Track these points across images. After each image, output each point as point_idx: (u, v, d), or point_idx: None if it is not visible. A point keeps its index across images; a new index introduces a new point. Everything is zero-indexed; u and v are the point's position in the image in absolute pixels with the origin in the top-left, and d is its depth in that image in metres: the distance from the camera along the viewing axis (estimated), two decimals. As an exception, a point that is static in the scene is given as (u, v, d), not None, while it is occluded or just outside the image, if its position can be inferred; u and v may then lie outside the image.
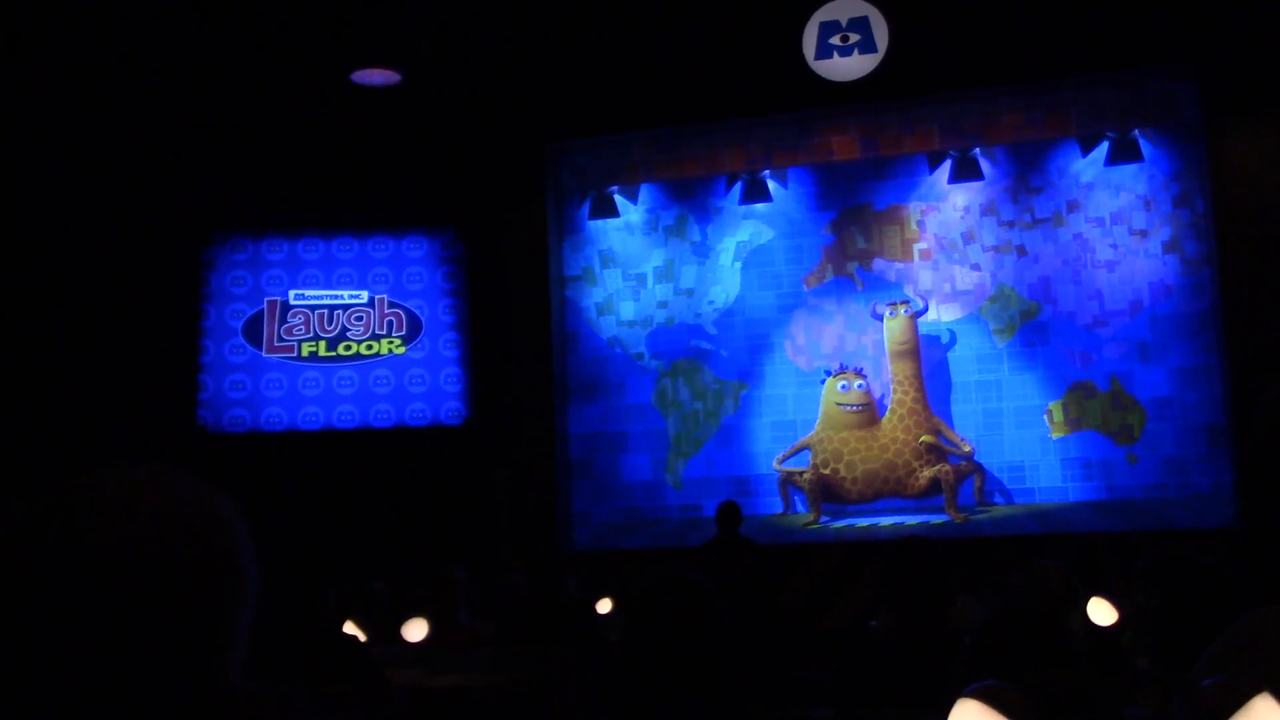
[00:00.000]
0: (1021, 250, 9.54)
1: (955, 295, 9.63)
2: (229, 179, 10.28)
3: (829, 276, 9.93)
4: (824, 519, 9.58)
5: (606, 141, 10.35)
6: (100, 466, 1.11)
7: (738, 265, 10.13)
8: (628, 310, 10.29)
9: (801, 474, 9.69)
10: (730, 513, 7.90)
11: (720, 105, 9.83)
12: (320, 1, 8.68)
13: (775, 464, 9.73)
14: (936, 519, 9.34)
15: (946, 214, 9.75)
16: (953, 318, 9.61)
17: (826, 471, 9.63)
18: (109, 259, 10.04)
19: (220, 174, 10.26)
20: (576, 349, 10.32)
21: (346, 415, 10.09)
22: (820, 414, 9.73)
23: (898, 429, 9.53)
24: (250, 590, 1.12)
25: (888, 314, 9.64)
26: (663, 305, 10.23)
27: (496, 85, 10.06)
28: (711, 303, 10.13)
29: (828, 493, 9.61)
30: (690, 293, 10.20)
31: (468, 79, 9.95)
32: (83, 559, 1.02)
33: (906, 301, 9.64)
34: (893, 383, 9.58)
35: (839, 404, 9.66)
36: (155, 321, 10.09)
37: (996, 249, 9.61)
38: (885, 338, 9.63)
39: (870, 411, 9.63)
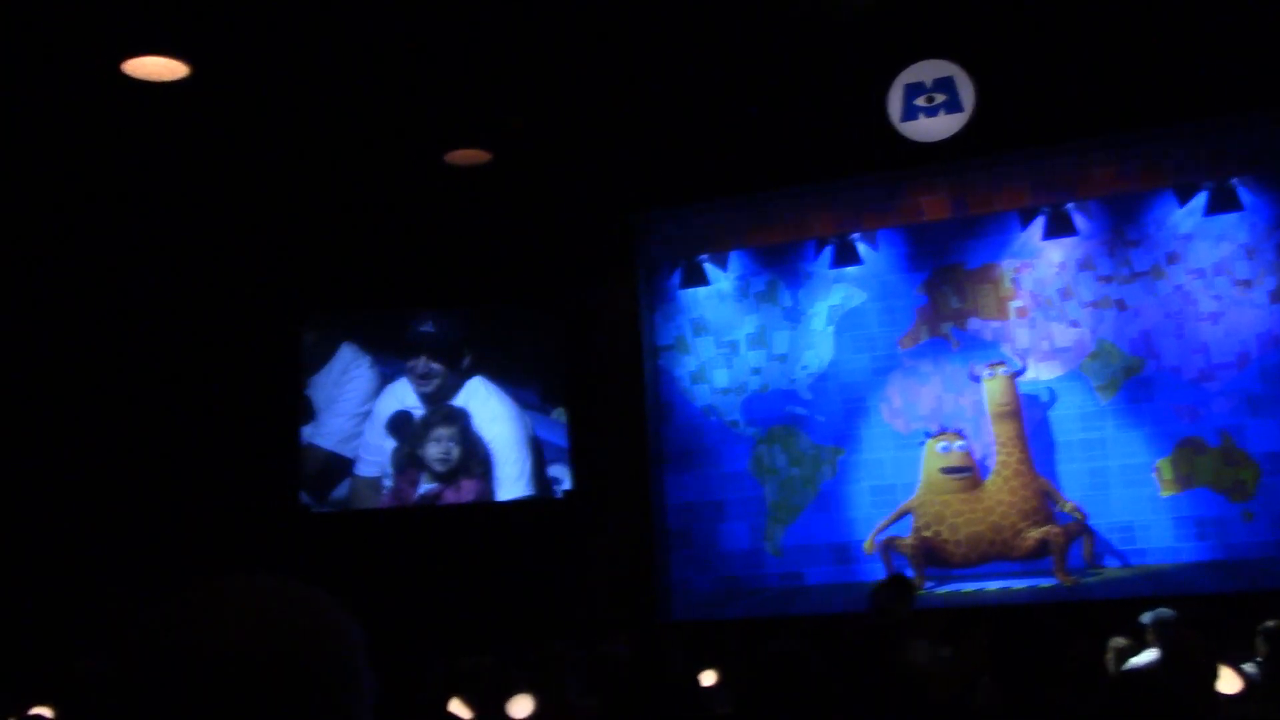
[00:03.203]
0: (1121, 305, 9.36)
1: (1055, 353, 9.47)
2: (324, 258, 10.52)
3: (924, 337, 9.83)
4: (928, 584, 9.39)
5: (695, 210, 10.42)
6: (220, 576, 1.12)
7: (830, 329, 10.08)
8: (721, 378, 10.27)
9: (904, 540, 9.53)
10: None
11: (807, 170, 9.84)
12: (414, 86, 8.89)
13: (868, 545, 9.59)
14: (1045, 582, 9.11)
15: (1041, 270, 9.61)
16: (1053, 375, 9.44)
17: (929, 535, 9.47)
18: (209, 340, 10.31)
19: (316, 253, 10.52)
20: (671, 418, 10.32)
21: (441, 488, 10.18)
22: (922, 478, 9.59)
23: (1002, 490, 9.35)
24: (368, 699, 1.13)
25: (986, 375, 9.50)
26: (756, 372, 10.19)
27: (584, 158, 10.20)
28: (805, 368, 10.08)
29: (931, 557, 9.44)
30: (783, 358, 10.16)
31: (555, 154, 10.10)
32: (205, 671, 1.04)
33: (1004, 362, 9.49)
34: (996, 444, 9.42)
35: (941, 468, 9.52)
36: (256, 401, 10.31)
37: (1095, 304, 9.44)
38: (985, 399, 9.49)
39: (973, 474, 9.47)
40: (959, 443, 9.50)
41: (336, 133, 9.53)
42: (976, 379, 9.54)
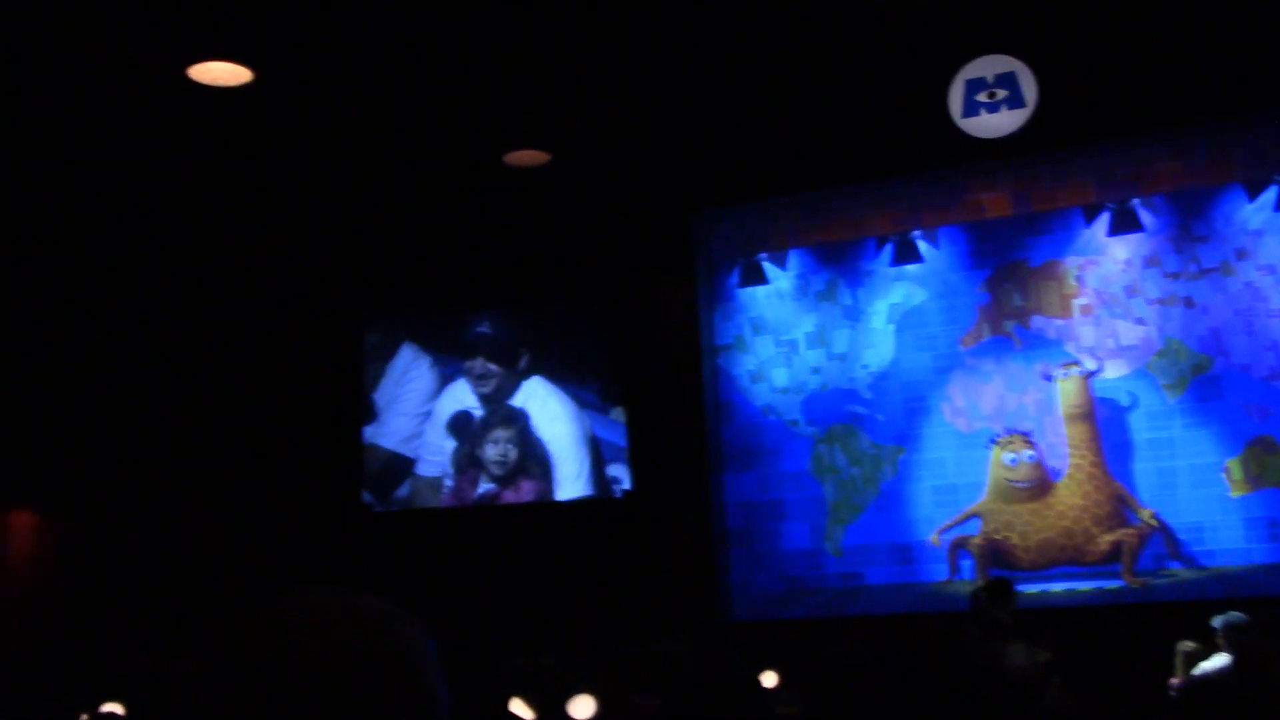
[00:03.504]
0: (1189, 302, 9.20)
1: (1120, 351, 9.32)
2: (385, 259, 10.62)
3: (986, 336, 9.72)
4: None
5: (753, 208, 10.38)
6: (299, 590, 1.13)
7: (891, 328, 10.00)
8: (781, 377, 10.22)
9: (973, 539, 9.42)
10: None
11: (867, 167, 9.76)
12: (473, 87, 8.94)
13: (934, 538, 9.48)
14: (1111, 584, 8.98)
15: (1106, 268, 9.47)
16: (1119, 374, 9.29)
17: (999, 538, 9.35)
18: (274, 341, 10.44)
19: (377, 255, 10.62)
20: (731, 418, 10.29)
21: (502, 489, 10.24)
22: (989, 482, 9.45)
23: (1075, 494, 9.20)
24: (444, 715, 1.13)
25: (1060, 376, 9.34)
26: (816, 371, 10.13)
27: (642, 157, 10.20)
28: (865, 367, 10.01)
29: (997, 559, 9.33)
30: (843, 357, 10.09)
31: (614, 153, 10.11)
32: (286, 687, 1.04)
33: (1078, 362, 9.34)
34: (1068, 447, 9.27)
35: (1008, 479, 9.37)
36: (320, 402, 10.43)
37: (1162, 301, 9.28)
38: (1059, 400, 9.34)
39: (1042, 483, 9.31)
40: (1027, 452, 9.32)
41: (397, 135, 9.61)
42: (1050, 379, 9.38)
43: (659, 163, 10.18)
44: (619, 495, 10.13)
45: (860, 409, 9.97)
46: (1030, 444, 9.35)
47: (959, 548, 9.46)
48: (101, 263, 9.86)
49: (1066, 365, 9.34)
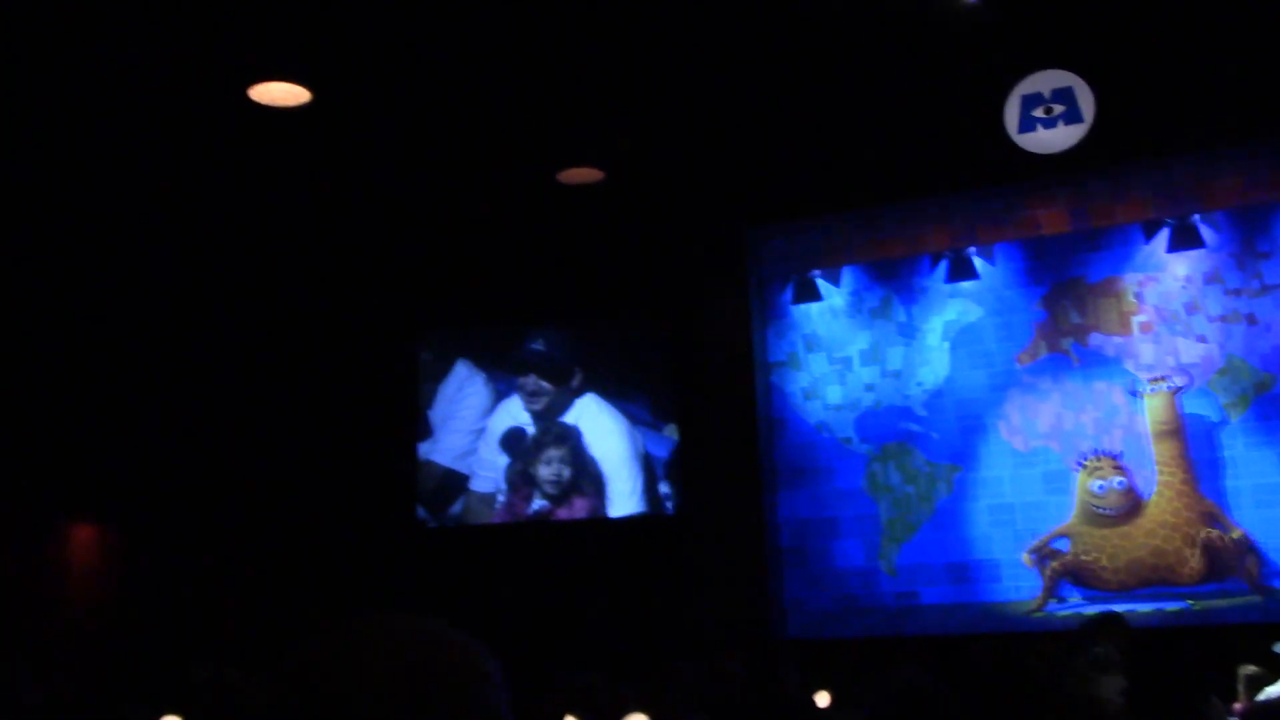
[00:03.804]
0: (1251, 319, 9.05)
1: (1180, 369, 9.19)
2: (440, 277, 10.71)
3: (1043, 353, 9.61)
4: (1080, 604, 9.08)
5: (807, 224, 10.35)
6: (367, 615, 1.14)
7: (946, 345, 9.92)
8: (834, 394, 10.18)
9: (1063, 556, 9.22)
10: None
11: (921, 183, 9.71)
12: (526, 106, 9.01)
13: (1026, 558, 9.31)
14: (1171, 605, 8.81)
15: (1166, 284, 9.34)
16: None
17: (1087, 560, 9.15)
18: (330, 359, 10.56)
19: (432, 273, 10.70)
20: (784, 435, 10.25)
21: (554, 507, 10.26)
22: (1076, 507, 9.24)
23: (1165, 513, 8.99)
24: None
25: (1147, 392, 9.17)
26: (870, 388, 10.07)
27: (695, 174, 10.21)
28: (920, 384, 9.93)
29: (1080, 579, 9.14)
30: (898, 375, 10.02)
31: (667, 170, 10.14)
32: (348, 714, 1.05)
33: (1165, 378, 9.15)
34: (1156, 464, 9.09)
35: (1095, 506, 9.17)
36: (375, 419, 10.52)
37: (1223, 319, 9.14)
38: (1146, 417, 9.15)
39: (1131, 508, 9.09)
40: (1117, 478, 9.11)
41: (451, 154, 9.70)
42: (1136, 395, 9.20)
43: (712, 179, 10.19)
44: (671, 512, 10.12)
45: (915, 426, 9.89)
46: (1120, 469, 9.14)
47: (1043, 560, 9.26)
48: (163, 280, 10.01)
49: (1153, 380, 9.16)
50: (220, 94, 8.22)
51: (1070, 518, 9.27)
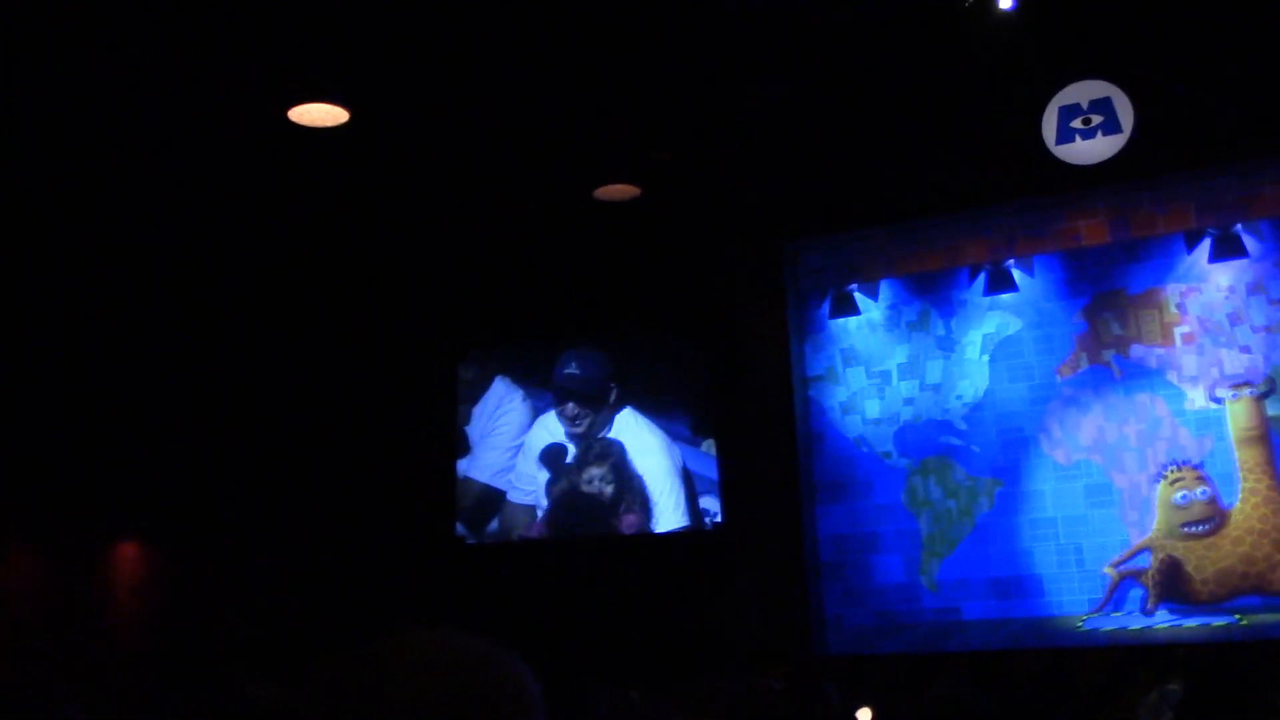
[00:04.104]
0: (1295, 330, 8.94)
1: (1224, 380, 9.07)
2: (479, 295, 10.76)
3: (1084, 365, 9.53)
4: (1172, 617, 8.94)
5: (844, 238, 10.32)
6: (407, 631, 1.14)
7: (985, 358, 9.85)
8: (873, 409, 10.12)
9: (1145, 572, 9.02)
10: None
11: (959, 195, 9.67)
12: (563, 123, 9.05)
13: (1109, 569, 9.11)
14: (1267, 615, 8.60)
15: (1209, 295, 9.24)
16: (1223, 404, 9.05)
17: (1176, 560, 8.93)
18: (369, 376, 10.62)
19: (470, 291, 10.76)
20: (822, 449, 10.20)
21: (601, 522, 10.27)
22: (1158, 520, 9.05)
23: (1251, 519, 8.77)
24: None
25: (1229, 398, 8.98)
26: (909, 402, 10.01)
27: (732, 189, 10.21)
28: (959, 397, 9.86)
29: (1174, 590, 8.95)
30: (936, 388, 9.96)
31: (704, 185, 10.15)
32: None
33: (1249, 383, 8.97)
34: (1240, 471, 8.88)
35: (1181, 524, 8.95)
36: (414, 436, 10.57)
37: (1268, 329, 9.02)
38: (1229, 423, 8.96)
39: (1215, 521, 8.88)
40: (1201, 489, 8.92)
41: (489, 172, 9.76)
42: (1218, 401, 9.02)
43: (748, 194, 10.19)
44: (710, 528, 10.09)
45: (955, 440, 9.82)
46: (1202, 479, 8.95)
47: (1127, 579, 9.07)
48: (204, 302, 10.12)
49: (1236, 386, 8.97)
50: (260, 115, 8.31)
51: (1151, 530, 9.06)
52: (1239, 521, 8.83)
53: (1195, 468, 8.99)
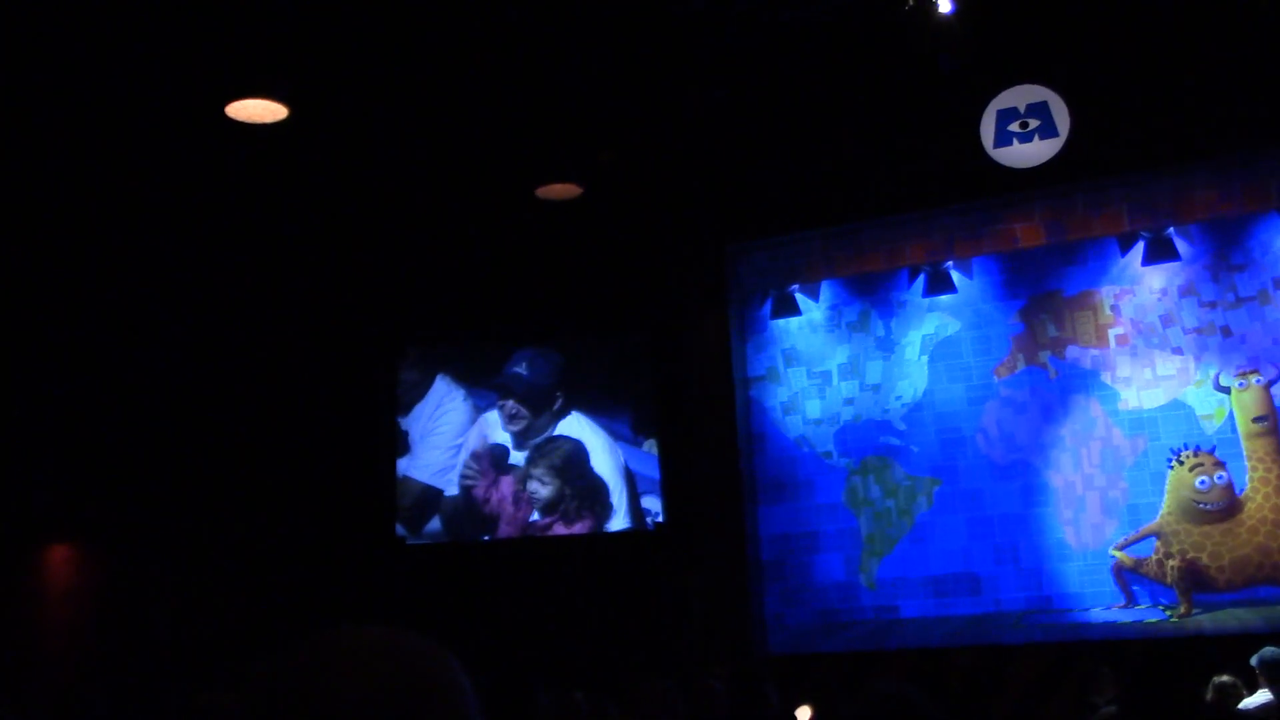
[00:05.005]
0: (1226, 331, 9.12)
1: (1157, 381, 9.24)
2: (419, 293, 10.68)
3: (1020, 366, 9.66)
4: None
5: (785, 240, 10.37)
6: (339, 629, 1.13)
7: (924, 359, 9.96)
8: (814, 409, 10.19)
9: (1148, 561, 9.00)
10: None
11: (899, 198, 9.75)
12: (504, 122, 9.02)
13: (1113, 550, 9.07)
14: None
15: (1142, 297, 9.41)
16: (1155, 404, 9.21)
17: (1190, 557, 8.90)
18: (307, 375, 10.51)
19: (411, 289, 10.68)
20: (764, 449, 10.26)
21: (541, 522, 10.23)
22: (1169, 502, 9.01)
23: (1263, 509, 8.78)
24: None
25: (1236, 386, 8.98)
26: (849, 402, 10.10)
27: (674, 190, 10.23)
28: (899, 398, 9.96)
29: (1195, 581, 8.87)
30: (876, 388, 10.05)
31: (646, 186, 10.16)
32: None
33: (1257, 370, 8.96)
34: (1250, 460, 8.88)
35: (1198, 502, 8.93)
36: (353, 435, 10.47)
37: (1199, 331, 9.20)
38: (1235, 411, 8.97)
39: (1230, 505, 8.88)
40: (1219, 473, 8.89)
41: (430, 170, 9.70)
42: (1224, 390, 9.02)
43: (690, 195, 10.21)
44: (652, 528, 10.10)
45: (894, 440, 9.92)
46: (1220, 464, 8.92)
47: (1123, 571, 9.06)
48: (138, 297, 9.96)
49: (1242, 375, 8.94)
50: (197, 110, 8.19)
51: (1159, 516, 9.05)
52: (1252, 511, 8.83)
53: (1210, 452, 8.96)
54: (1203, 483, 8.97)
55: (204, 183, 9.44)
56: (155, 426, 9.89)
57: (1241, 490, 8.91)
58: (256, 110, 8.13)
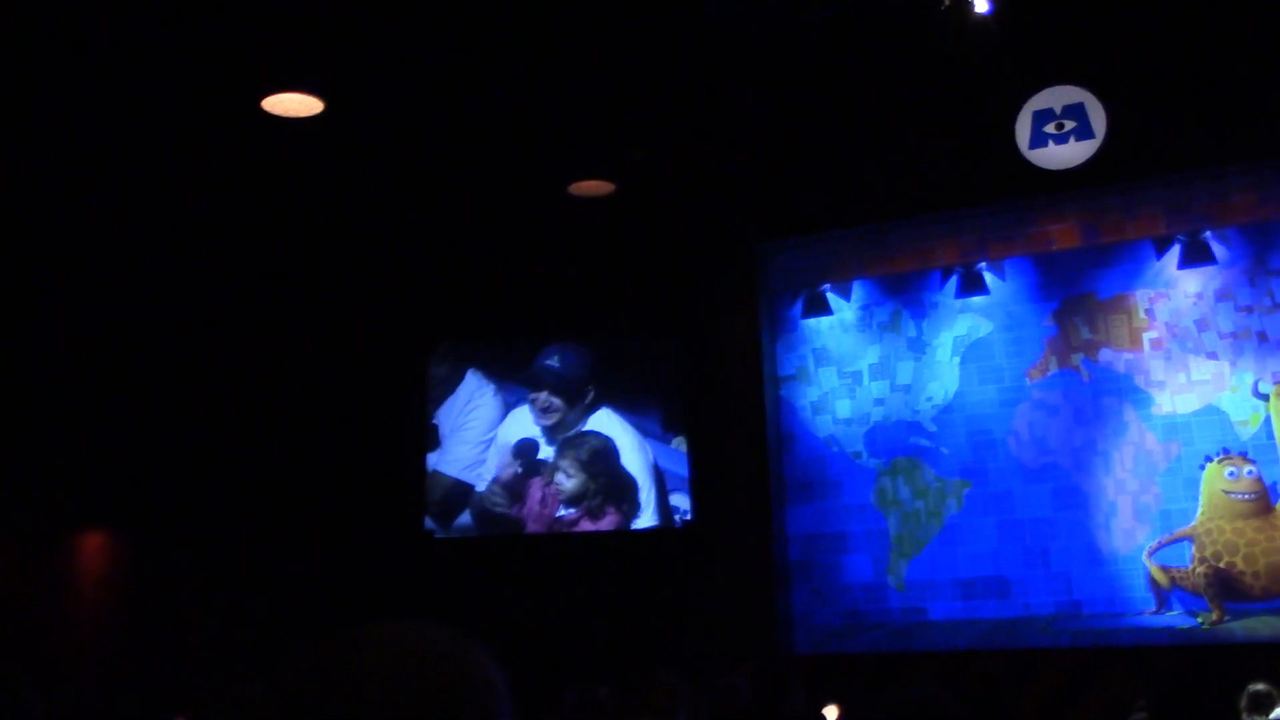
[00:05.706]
0: (1263, 336, 9.02)
1: (1191, 386, 9.15)
2: (451, 288, 10.72)
3: (1053, 369, 9.59)
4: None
5: (818, 239, 10.34)
6: (365, 625, 1.14)
7: (956, 360, 9.90)
8: (844, 409, 10.16)
9: (1185, 571, 8.94)
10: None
11: (932, 198, 9.71)
12: (538, 119, 9.03)
13: (1145, 556, 9.02)
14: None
15: (1177, 301, 9.32)
16: (1189, 409, 9.12)
17: (1222, 565, 8.85)
18: (339, 370, 10.56)
19: (443, 284, 10.72)
20: (793, 449, 10.23)
21: (568, 517, 10.25)
22: (1204, 502, 8.96)
23: None
24: None
25: (1275, 391, 8.92)
26: (879, 403, 10.06)
27: (706, 188, 10.22)
28: (930, 399, 9.91)
29: (1226, 589, 8.81)
30: (907, 389, 10.01)
31: (678, 184, 10.15)
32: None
33: None
34: None
35: (1228, 491, 8.88)
36: (384, 429, 10.52)
37: (1235, 335, 9.11)
38: (1273, 417, 8.89)
39: (1263, 499, 8.82)
40: (1248, 467, 8.85)
41: (463, 166, 9.72)
42: (1264, 398, 8.94)
43: (723, 193, 10.20)
44: (680, 525, 10.10)
45: (924, 441, 9.87)
46: (1249, 461, 8.89)
47: (1160, 581, 8.98)
48: (173, 291, 10.04)
49: None
50: (233, 105, 8.25)
51: (1195, 519, 8.98)
52: None
53: (1241, 455, 8.90)
54: (1231, 473, 8.91)
55: (239, 177, 9.50)
56: (189, 418, 9.96)
57: (1277, 499, 8.81)
58: (292, 104, 8.17)
